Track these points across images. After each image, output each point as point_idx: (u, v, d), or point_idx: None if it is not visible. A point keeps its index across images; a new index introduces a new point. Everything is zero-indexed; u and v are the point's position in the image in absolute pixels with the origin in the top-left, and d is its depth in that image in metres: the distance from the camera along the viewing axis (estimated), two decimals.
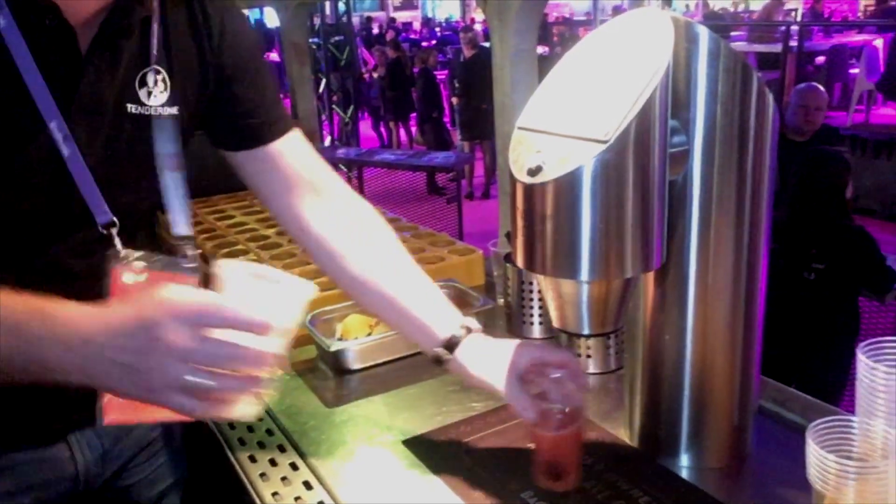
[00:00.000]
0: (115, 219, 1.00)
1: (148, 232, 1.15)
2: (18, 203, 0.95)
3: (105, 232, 0.99)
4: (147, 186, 1.05)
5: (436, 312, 1.19)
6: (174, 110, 1.06)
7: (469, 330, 1.17)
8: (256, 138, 1.18)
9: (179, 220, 1.07)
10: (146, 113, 1.04)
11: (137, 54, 1.02)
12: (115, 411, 0.87)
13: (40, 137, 0.93)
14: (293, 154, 1.22)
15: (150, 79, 1.03)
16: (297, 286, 0.90)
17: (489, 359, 1.14)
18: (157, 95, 1.04)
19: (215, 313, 0.77)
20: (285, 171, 1.21)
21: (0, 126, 0.91)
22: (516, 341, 1.16)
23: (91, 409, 0.87)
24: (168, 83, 1.05)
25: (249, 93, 1.16)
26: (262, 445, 1.32)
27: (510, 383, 1.10)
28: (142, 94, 1.03)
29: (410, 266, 1.24)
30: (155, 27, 1.02)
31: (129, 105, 1.02)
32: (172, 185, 1.05)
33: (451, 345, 1.15)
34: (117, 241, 0.99)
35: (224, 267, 0.85)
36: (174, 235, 1.07)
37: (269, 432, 1.36)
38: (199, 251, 1.16)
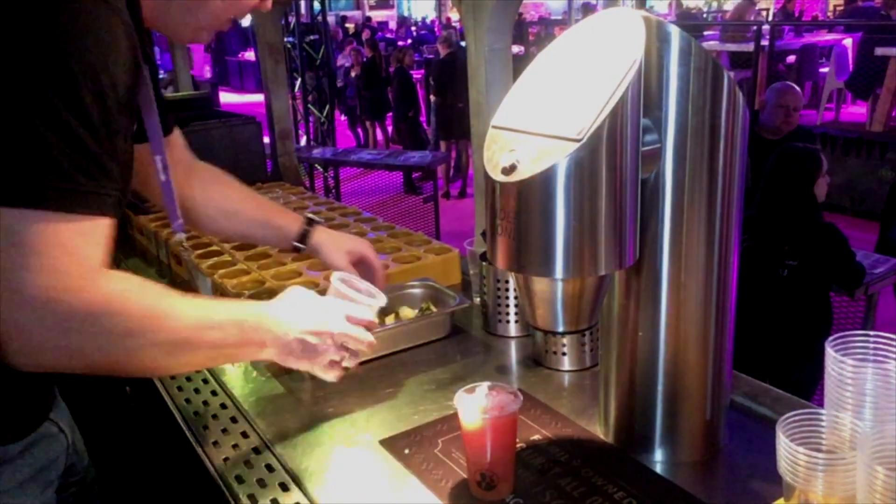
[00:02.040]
0: (183, 228, 1.37)
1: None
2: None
3: (177, 239, 1.41)
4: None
5: (284, 217, 1.54)
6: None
7: (312, 221, 1.52)
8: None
9: (177, 217, 1.37)
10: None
11: None
12: None
13: (150, 170, 1.21)
14: (177, 145, 1.45)
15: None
16: (375, 295, 1.30)
17: (331, 245, 1.50)
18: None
19: (358, 315, 1.22)
20: (172, 159, 1.37)
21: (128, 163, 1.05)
22: (349, 235, 1.59)
23: (51, 390, 1.17)
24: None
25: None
26: (237, 447, 1.31)
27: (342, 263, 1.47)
28: None
29: (255, 195, 1.58)
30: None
31: None
32: (171, 188, 1.32)
33: (302, 237, 1.50)
34: (185, 243, 1.47)
35: (333, 277, 1.30)
36: (176, 231, 1.39)
37: (245, 434, 1.35)
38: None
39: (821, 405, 0.99)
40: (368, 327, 1.22)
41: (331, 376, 1.20)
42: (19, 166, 0.85)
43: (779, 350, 2.98)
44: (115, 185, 0.93)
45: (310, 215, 1.54)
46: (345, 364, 1.21)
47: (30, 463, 1.11)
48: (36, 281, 0.86)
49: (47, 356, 0.91)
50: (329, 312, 1.18)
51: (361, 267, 1.48)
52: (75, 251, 0.89)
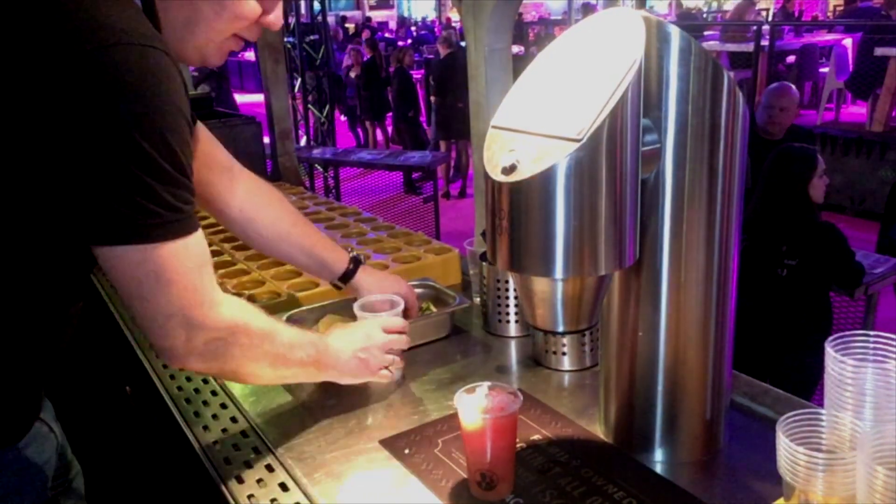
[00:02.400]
0: None
1: None
2: None
3: None
4: None
5: (331, 252, 1.58)
6: None
7: (357, 262, 1.58)
8: None
9: None
10: None
11: None
12: None
13: None
14: (208, 140, 1.45)
15: None
16: (395, 303, 1.51)
17: (371, 288, 1.58)
18: None
19: (389, 323, 1.42)
20: (203, 152, 1.41)
21: None
22: (391, 277, 1.64)
23: (40, 389, 1.19)
24: None
25: None
26: (237, 448, 1.31)
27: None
28: None
29: (305, 222, 1.61)
30: None
31: None
32: None
33: (345, 277, 1.57)
34: None
35: (354, 307, 1.51)
36: None
37: (244, 434, 1.35)
38: None
39: (821, 405, 0.99)
40: (402, 330, 1.42)
41: (386, 380, 1.41)
42: (130, 210, 0.93)
43: (778, 350, 2.98)
44: (193, 202, 1.02)
45: (355, 253, 1.60)
46: (393, 369, 1.42)
47: (24, 465, 1.11)
48: (178, 310, 1.01)
49: (197, 365, 1.08)
50: (369, 331, 1.38)
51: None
52: (203, 275, 1.03)
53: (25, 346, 1.07)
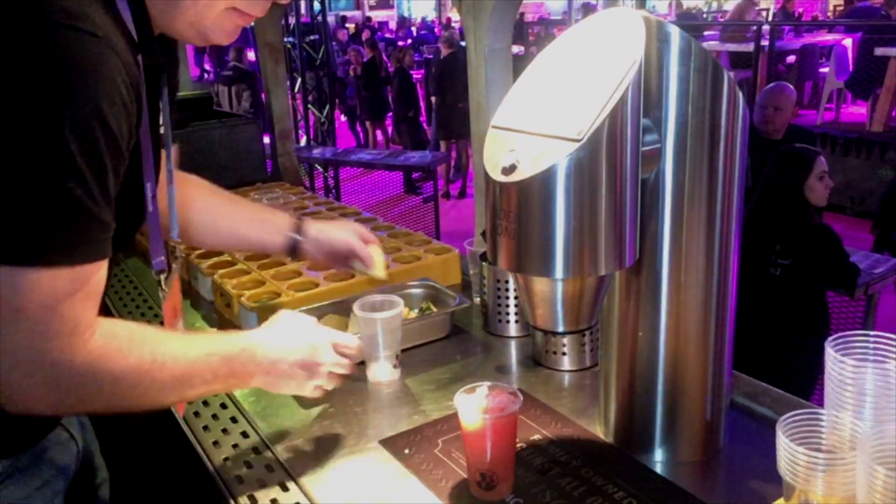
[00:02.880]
0: (166, 266, 1.20)
1: None
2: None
3: (156, 277, 1.21)
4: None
5: (274, 224, 1.50)
6: (164, 128, 1.15)
7: (301, 221, 1.50)
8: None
9: (175, 226, 1.24)
10: (164, 132, 1.14)
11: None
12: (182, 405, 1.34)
13: (139, 198, 1.04)
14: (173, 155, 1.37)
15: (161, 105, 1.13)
16: (395, 303, 1.48)
17: (329, 227, 1.53)
18: (160, 115, 1.13)
19: (343, 342, 1.26)
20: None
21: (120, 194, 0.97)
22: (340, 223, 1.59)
23: None
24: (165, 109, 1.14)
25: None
26: (237, 447, 1.31)
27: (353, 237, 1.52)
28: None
29: (240, 202, 1.54)
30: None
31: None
32: (172, 197, 1.21)
33: (292, 238, 1.48)
34: (163, 284, 1.22)
35: (354, 306, 1.47)
36: (173, 239, 1.26)
37: (245, 434, 1.35)
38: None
39: (820, 405, 0.99)
40: (353, 353, 1.28)
41: (314, 395, 1.25)
42: (11, 224, 0.82)
43: (774, 350, 2.98)
44: (107, 230, 0.90)
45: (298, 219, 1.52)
46: (327, 386, 1.26)
47: (40, 472, 1.10)
48: (23, 342, 0.86)
49: (40, 407, 0.92)
50: (317, 343, 1.22)
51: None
52: (63, 311, 0.87)
53: None
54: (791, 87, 4.31)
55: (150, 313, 1.97)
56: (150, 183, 1.05)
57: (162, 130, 1.14)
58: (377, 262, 1.55)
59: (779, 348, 2.99)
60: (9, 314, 0.84)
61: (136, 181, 1.02)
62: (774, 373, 2.63)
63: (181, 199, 1.35)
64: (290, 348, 1.18)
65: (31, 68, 0.79)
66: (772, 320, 2.96)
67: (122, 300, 2.07)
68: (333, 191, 7.38)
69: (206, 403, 1.47)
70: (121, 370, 0.95)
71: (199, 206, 1.44)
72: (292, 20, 8.54)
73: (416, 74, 10.73)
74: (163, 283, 1.21)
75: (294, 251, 1.51)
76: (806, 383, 3.00)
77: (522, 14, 15.58)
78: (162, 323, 1.27)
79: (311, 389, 1.23)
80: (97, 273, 0.91)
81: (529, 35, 11.45)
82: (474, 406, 1.10)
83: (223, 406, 1.46)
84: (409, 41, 15.90)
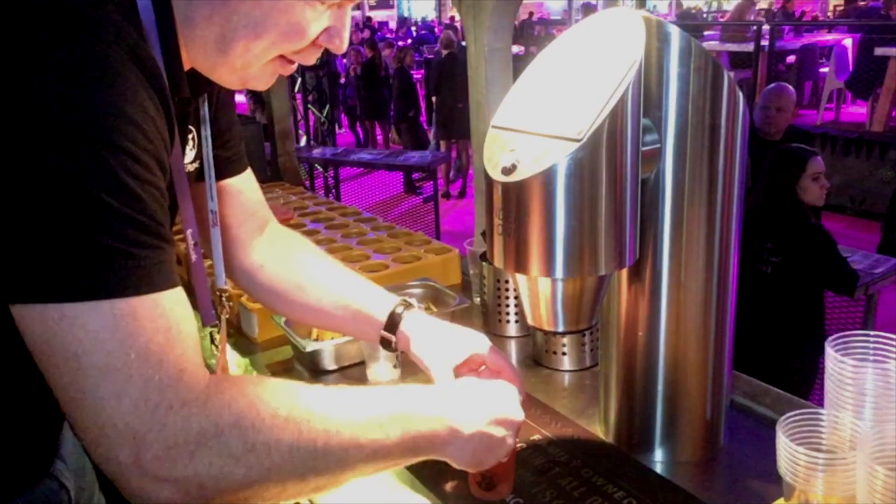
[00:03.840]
0: (215, 319, 1.06)
1: None
2: None
3: (208, 332, 1.06)
4: None
5: (373, 301, 1.21)
6: (196, 165, 1.08)
7: (408, 305, 1.20)
8: (226, 171, 1.19)
9: (221, 273, 1.13)
10: (192, 170, 1.06)
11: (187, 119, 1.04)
12: None
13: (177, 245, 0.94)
14: (249, 190, 1.25)
15: (190, 138, 1.04)
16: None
17: (429, 338, 1.17)
18: (188, 153, 1.04)
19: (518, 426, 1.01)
20: (243, 205, 1.23)
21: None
22: (459, 328, 1.19)
23: (54, 440, 1.05)
24: (196, 141, 1.06)
25: (225, 130, 1.18)
26: None
27: (441, 369, 1.13)
28: (189, 154, 1.04)
29: (342, 272, 1.27)
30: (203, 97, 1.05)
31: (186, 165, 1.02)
32: (215, 241, 1.10)
33: (392, 324, 1.18)
34: (216, 340, 1.10)
35: None
36: (219, 287, 1.13)
37: None
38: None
39: (820, 405, 0.99)
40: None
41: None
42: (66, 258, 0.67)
43: (770, 350, 2.98)
44: (170, 245, 0.76)
45: (406, 299, 1.22)
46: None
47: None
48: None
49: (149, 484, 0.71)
50: (508, 396, 1.01)
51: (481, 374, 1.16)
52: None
53: (15, 399, 0.90)
54: (791, 87, 4.31)
55: None
56: (192, 229, 0.95)
57: (194, 166, 1.06)
58: None
59: (772, 347, 2.99)
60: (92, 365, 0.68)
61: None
62: (770, 372, 2.63)
63: (254, 249, 1.22)
64: (481, 405, 0.96)
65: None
66: (764, 318, 2.96)
67: None
68: (333, 191, 7.38)
69: None
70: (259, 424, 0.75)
71: (289, 271, 1.24)
72: None
73: (417, 74, 10.72)
74: (215, 338, 1.09)
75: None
76: (802, 383, 3.00)
77: (531, 14, 15.60)
78: None
79: (502, 458, 1.00)
80: (180, 305, 0.75)
81: (532, 33, 11.45)
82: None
83: None
84: (409, 41, 15.91)
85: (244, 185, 1.23)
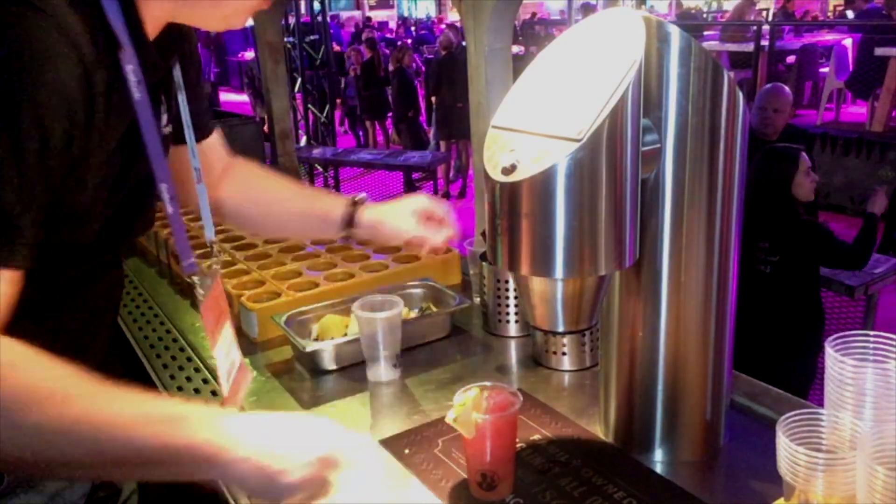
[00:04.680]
0: (196, 269, 1.13)
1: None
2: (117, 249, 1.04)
3: (188, 280, 1.12)
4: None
5: (327, 204, 1.41)
6: (169, 128, 1.13)
7: (355, 202, 1.39)
8: (199, 135, 1.25)
9: (210, 225, 1.22)
10: (168, 132, 1.12)
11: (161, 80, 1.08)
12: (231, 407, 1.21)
13: (154, 199, 1.02)
14: (216, 147, 1.37)
15: (163, 101, 1.10)
16: (395, 303, 1.46)
17: (387, 215, 1.39)
18: (163, 115, 1.10)
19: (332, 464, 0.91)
20: (211, 160, 1.33)
21: (126, 196, 0.97)
22: (401, 202, 1.42)
23: None
24: (166, 105, 1.11)
25: (193, 102, 1.21)
26: None
27: (421, 228, 1.38)
28: (163, 117, 1.10)
29: (293, 188, 1.45)
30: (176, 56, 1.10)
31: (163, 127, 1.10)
32: (202, 196, 1.18)
33: (349, 218, 1.37)
34: (198, 286, 1.13)
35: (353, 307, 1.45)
36: (209, 240, 1.23)
37: None
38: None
39: (820, 405, 0.99)
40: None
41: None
42: None
43: (769, 350, 2.98)
44: (26, 239, 0.80)
45: (354, 196, 1.41)
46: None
47: (44, 486, 1.04)
48: None
49: None
50: (317, 437, 0.91)
51: (431, 223, 1.40)
52: None
53: None
54: (786, 87, 4.32)
55: (150, 313, 1.97)
56: (166, 184, 1.01)
57: (167, 129, 1.11)
58: (436, 237, 1.40)
59: (772, 347, 2.99)
60: None
61: (137, 181, 1.01)
62: (770, 372, 2.64)
63: (221, 184, 1.35)
64: (266, 441, 0.86)
65: None
66: (765, 318, 2.96)
67: (122, 300, 2.07)
68: (333, 191, 7.39)
69: (206, 403, 1.47)
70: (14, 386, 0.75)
71: (250, 194, 1.40)
72: (292, 20, 8.54)
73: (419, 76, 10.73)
74: (197, 285, 1.13)
75: (348, 239, 1.45)
76: (802, 383, 3.00)
77: (534, 14, 15.59)
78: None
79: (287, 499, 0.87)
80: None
81: (534, 32, 11.44)
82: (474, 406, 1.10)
83: (223, 406, 1.46)
84: (409, 41, 15.91)
85: (212, 141, 1.34)
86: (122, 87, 0.91)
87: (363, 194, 1.42)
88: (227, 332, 1.20)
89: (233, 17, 0.99)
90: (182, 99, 1.12)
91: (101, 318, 1.13)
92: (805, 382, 3.04)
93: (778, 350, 2.99)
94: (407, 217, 1.38)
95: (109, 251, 1.07)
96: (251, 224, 1.49)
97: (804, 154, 3.05)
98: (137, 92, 0.92)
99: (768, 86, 4.29)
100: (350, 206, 1.37)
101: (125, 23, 0.89)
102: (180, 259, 1.13)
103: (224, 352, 1.18)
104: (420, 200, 1.41)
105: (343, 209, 1.37)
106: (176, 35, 1.04)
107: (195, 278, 1.12)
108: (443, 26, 15.82)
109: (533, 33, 11.18)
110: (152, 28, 0.97)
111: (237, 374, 1.22)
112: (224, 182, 1.38)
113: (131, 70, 0.91)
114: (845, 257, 3.03)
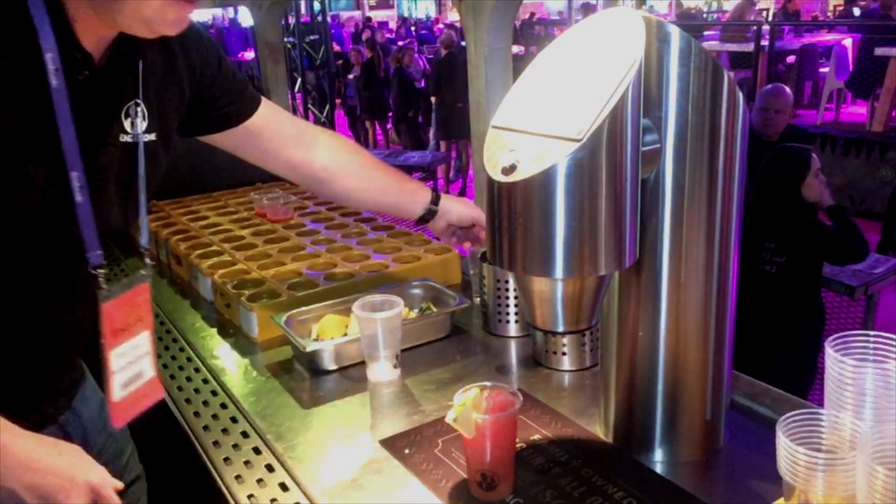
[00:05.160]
0: (104, 261, 1.10)
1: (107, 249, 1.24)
2: (21, 246, 1.03)
3: (93, 272, 1.08)
4: (123, 211, 1.16)
5: (414, 184, 1.64)
6: (153, 136, 1.17)
7: (437, 195, 1.62)
8: (235, 119, 1.41)
9: (145, 233, 1.21)
10: (134, 140, 1.13)
11: (123, 89, 1.12)
12: (120, 418, 1.15)
13: (61, 187, 1.01)
14: (270, 119, 1.47)
15: (133, 110, 1.13)
16: (395, 304, 1.48)
17: (456, 208, 1.64)
18: (138, 124, 1.14)
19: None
20: (269, 135, 1.47)
21: (27, 179, 0.98)
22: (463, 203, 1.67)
23: (72, 394, 1.23)
24: (146, 113, 1.15)
25: (221, 92, 1.37)
26: (237, 447, 1.31)
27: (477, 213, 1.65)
28: (126, 124, 1.12)
29: (384, 168, 1.62)
30: (140, 64, 1.12)
31: (120, 135, 1.12)
32: (144, 204, 1.18)
33: (430, 210, 1.61)
34: (102, 281, 1.09)
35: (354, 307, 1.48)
36: (142, 246, 1.21)
37: (245, 434, 1.35)
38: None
39: (820, 405, 0.99)
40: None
41: None
42: None
43: (767, 348, 2.98)
44: None
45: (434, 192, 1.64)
46: None
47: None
48: None
49: None
50: (76, 464, 1.01)
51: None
52: None
53: None
54: (787, 88, 4.32)
55: None
56: (77, 172, 1.02)
57: (149, 137, 1.15)
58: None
59: (775, 346, 2.99)
60: None
61: (52, 173, 1.00)
62: (768, 372, 2.64)
63: (312, 155, 1.50)
64: (35, 454, 0.98)
65: None
66: (766, 319, 2.96)
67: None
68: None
69: (206, 403, 1.47)
70: None
71: (350, 169, 1.56)
72: (292, 20, 8.54)
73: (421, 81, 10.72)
74: (101, 279, 1.09)
75: (425, 221, 1.64)
76: (801, 384, 3.00)
77: (532, 13, 15.59)
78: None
79: None
80: None
81: (532, 33, 11.44)
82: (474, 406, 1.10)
83: (223, 406, 1.46)
84: (415, 42, 15.91)
85: (264, 120, 1.45)
86: (36, 72, 0.96)
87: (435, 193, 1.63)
88: (140, 342, 1.17)
89: (157, 23, 0.98)
90: (141, 109, 1.14)
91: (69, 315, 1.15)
92: (805, 382, 3.04)
93: (779, 350, 2.99)
94: (472, 207, 1.65)
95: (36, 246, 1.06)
96: (344, 200, 1.70)
97: (815, 155, 3.06)
98: (55, 79, 0.97)
99: (769, 87, 4.29)
100: (433, 192, 1.62)
101: (47, 10, 0.95)
102: (86, 250, 1.07)
103: (127, 359, 1.15)
104: (473, 213, 1.65)
105: (428, 193, 1.61)
106: (135, 46, 1.09)
107: (100, 272, 1.09)
108: (440, 26, 15.83)
109: (532, 34, 11.19)
110: (91, 35, 1.01)
111: (142, 387, 1.17)
112: (317, 154, 1.52)
113: (50, 58, 0.96)
114: (848, 252, 3.03)
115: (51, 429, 1.14)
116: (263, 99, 1.46)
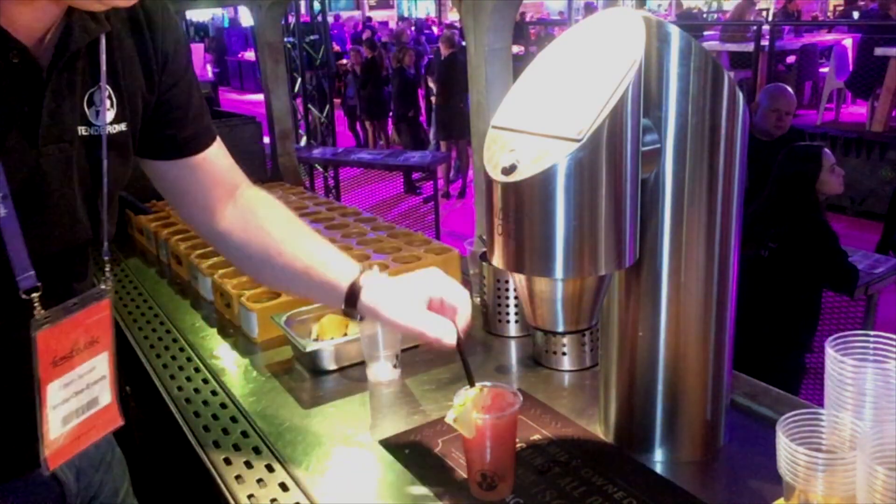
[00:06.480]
0: (38, 283, 0.95)
1: (81, 259, 1.09)
2: None
3: (25, 297, 0.94)
4: (89, 213, 1.02)
5: (332, 272, 1.21)
6: (123, 126, 1.03)
7: (361, 274, 1.21)
8: (184, 150, 1.18)
9: (105, 241, 1.06)
10: (97, 133, 0.99)
11: (86, 74, 0.98)
12: (59, 458, 0.99)
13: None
14: (214, 163, 1.23)
15: (97, 97, 0.99)
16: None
17: (390, 304, 1.18)
18: (104, 113, 1.00)
19: None
20: (205, 179, 1.22)
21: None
22: (412, 279, 1.25)
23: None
24: (115, 100, 1.01)
25: (180, 109, 1.15)
26: (237, 448, 1.31)
27: (423, 319, 1.17)
28: (90, 113, 0.99)
29: (308, 238, 1.26)
30: (103, 45, 0.97)
31: (80, 127, 0.98)
32: (106, 206, 1.03)
33: (353, 298, 1.18)
34: (37, 307, 0.95)
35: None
36: (104, 258, 1.06)
37: (245, 434, 1.35)
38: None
39: (819, 405, 0.99)
40: None
41: None
42: None
43: (752, 339, 2.98)
44: None
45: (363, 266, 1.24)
46: None
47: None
48: None
49: None
50: None
51: (444, 311, 1.21)
52: None
53: None
54: (789, 88, 4.35)
55: (150, 313, 1.97)
56: None
57: (116, 128, 1.02)
58: (448, 334, 1.17)
59: (757, 338, 2.99)
60: None
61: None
62: (754, 365, 2.64)
63: (235, 218, 1.23)
64: None
65: None
66: (755, 307, 2.96)
67: (122, 300, 2.07)
68: (333, 191, 7.38)
69: (206, 403, 1.47)
70: None
71: (251, 235, 1.24)
72: (292, 20, 8.54)
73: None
74: (36, 305, 0.95)
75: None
76: (786, 380, 3.01)
77: (523, 14, 15.57)
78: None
79: None
80: None
81: (530, 34, 11.45)
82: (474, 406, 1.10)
83: (223, 406, 1.46)
84: (422, 41, 15.90)
85: (207, 157, 1.21)
86: None
87: (374, 267, 1.25)
88: (96, 365, 1.04)
89: None
90: (103, 97, 1.00)
91: None
92: (790, 379, 3.05)
93: (763, 342, 2.99)
94: (412, 302, 1.18)
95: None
96: (250, 271, 1.31)
97: (827, 151, 3.10)
98: None
99: (773, 86, 4.32)
100: (355, 283, 1.18)
101: None
102: (14, 273, 0.93)
103: (73, 389, 1.00)
104: (434, 281, 1.23)
105: (348, 283, 1.18)
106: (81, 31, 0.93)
107: (33, 296, 0.95)
108: (435, 28, 15.82)
109: (531, 34, 11.19)
110: (22, 19, 0.88)
111: (95, 416, 1.04)
112: (227, 212, 1.24)
113: None
114: (844, 273, 3.06)
115: (37, 471, 0.99)
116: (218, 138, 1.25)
